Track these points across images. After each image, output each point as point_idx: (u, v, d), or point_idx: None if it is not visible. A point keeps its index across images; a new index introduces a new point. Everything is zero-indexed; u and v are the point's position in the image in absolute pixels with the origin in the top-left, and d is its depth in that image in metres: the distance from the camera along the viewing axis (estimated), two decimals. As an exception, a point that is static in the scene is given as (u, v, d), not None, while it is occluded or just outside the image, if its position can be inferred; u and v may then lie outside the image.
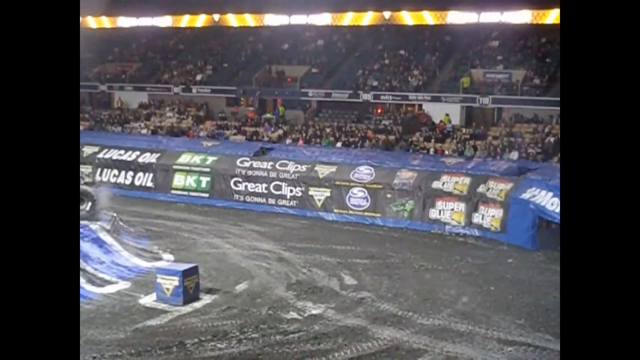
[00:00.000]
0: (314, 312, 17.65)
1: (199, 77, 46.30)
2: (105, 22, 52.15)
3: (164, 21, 52.78)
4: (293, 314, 17.34)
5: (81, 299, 18.26)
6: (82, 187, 23.55)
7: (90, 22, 50.98)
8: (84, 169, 34.70)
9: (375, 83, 42.76)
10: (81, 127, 42.07)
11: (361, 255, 23.55)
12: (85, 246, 21.23)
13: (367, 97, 42.29)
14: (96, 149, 36.34)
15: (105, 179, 35.13)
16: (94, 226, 22.59)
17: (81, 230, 21.90)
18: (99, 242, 21.93)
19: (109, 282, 19.81)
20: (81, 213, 22.75)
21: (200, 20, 52.57)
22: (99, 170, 35.53)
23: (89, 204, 23.31)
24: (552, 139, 33.84)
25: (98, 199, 23.74)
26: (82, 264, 20.20)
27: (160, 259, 22.52)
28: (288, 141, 39.54)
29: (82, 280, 19.34)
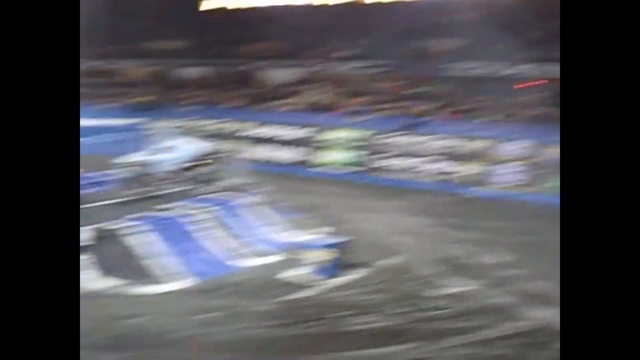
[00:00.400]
0: (461, 289, 17.33)
1: (347, 53, 46.38)
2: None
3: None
4: (440, 291, 17.10)
5: (232, 271, 18.92)
6: (203, 169, 24.26)
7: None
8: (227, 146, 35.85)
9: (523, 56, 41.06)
10: (232, 105, 43.32)
11: (510, 232, 22.83)
12: (237, 219, 21.92)
13: (515, 70, 40.75)
14: (246, 126, 37.39)
15: (256, 155, 36.10)
16: (246, 200, 23.25)
17: (232, 203, 22.65)
18: (249, 216, 22.55)
19: (259, 255, 20.34)
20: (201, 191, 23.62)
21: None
22: (250, 146, 36.49)
23: (210, 182, 24.03)
24: None
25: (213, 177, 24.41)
26: (234, 237, 20.90)
27: (309, 233, 22.83)
28: (436, 116, 38.91)
29: (233, 253, 20.01)
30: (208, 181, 23.90)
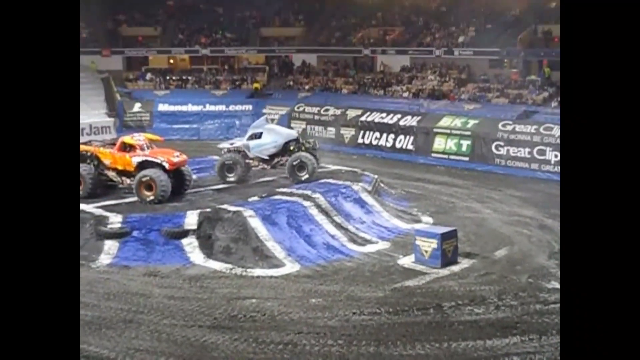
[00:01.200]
0: (577, 283, 16.76)
1: (461, 39, 45.59)
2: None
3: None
4: (554, 284, 16.56)
5: (343, 257, 19.02)
6: (303, 154, 24.32)
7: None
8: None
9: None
10: (345, 91, 43.47)
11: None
12: (347, 206, 22.01)
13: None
14: (359, 112, 37.47)
15: (367, 141, 36.15)
16: (356, 187, 23.30)
17: (344, 190, 22.76)
18: (360, 203, 22.60)
19: (369, 242, 20.35)
20: (303, 178, 23.68)
21: (464, -19, 51.64)
22: (361, 132, 36.57)
23: (309, 169, 24.05)
24: None
25: (315, 163, 24.40)
26: (345, 223, 20.98)
27: (420, 221, 22.68)
28: (554, 104, 37.75)
29: (344, 239, 20.10)
30: (308, 168, 24.02)
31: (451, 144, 33.07)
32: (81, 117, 39.96)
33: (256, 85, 45.76)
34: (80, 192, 21.66)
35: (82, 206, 20.63)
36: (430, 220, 22.75)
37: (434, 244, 18.09)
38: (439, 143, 33.49)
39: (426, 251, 18.21)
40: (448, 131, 33.30)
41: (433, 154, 33.62)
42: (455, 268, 17.96)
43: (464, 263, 18.33)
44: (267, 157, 24.75)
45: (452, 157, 32.90)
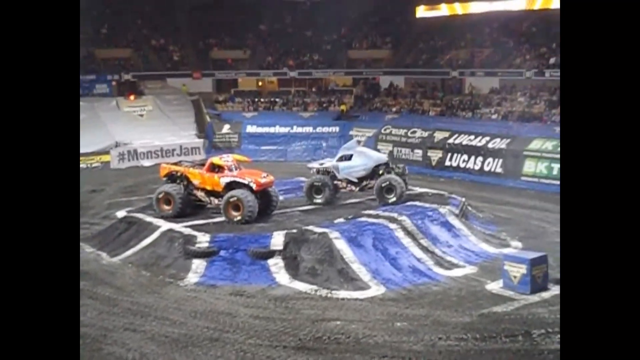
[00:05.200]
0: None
1: (552, 60, 44.71)
2: (458, 8, 52.73)
3: (517, 4, 51.78)
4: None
5: (429, 281, 18.76)
6: (393, 177, 24.08)
7: (443, 9, 51.86)
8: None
9: None
10: (432, 113, 43.16)
11: None
12: (434, 229, 21.72)
13: None
14: (446, 134, 37.11)
15: (454, 164, 35.73)
16: (443, 210, 22.99)
17: (430, 213, 22.49)
18: (447, 226, 22.27)
19: (456, 266, 20.01)
20: (390, 200, 23.40)
21: (555, 1, 50.66)
22: (449, 155, 36.19)
23: (398, 192, 23.77)
24: None
25: (404, 187, 24.12)
26: (431, 246, 20.71)
27: (508, 245, 22.17)
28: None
29: (430, 262, 19.83)
30: (397, 190, 23.80)
31: (542, 167, 32.29)
32: (172, 138, 41.29)
33: (343, 107, 45.97)
34: (170, 212, 22.22)
35: (172, 225, 21.12)
36: (519, 245, 22.20)
37: (523, 269, 17.61)
38: (529, 166, 32.75)
39: (515, 277, 17.76)
40: (539, 154, 32.55)
41: (522, 177, 32.91)
42: (545, 295, 17.41)
43: (554, 289, 17.73)
44: (355, 180, 24.72)
45: (543, 180, 32.10)
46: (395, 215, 21.73)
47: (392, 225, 20.94)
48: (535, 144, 33.01)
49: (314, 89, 50.75)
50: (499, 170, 34.03)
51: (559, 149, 31.84)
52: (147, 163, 38.53)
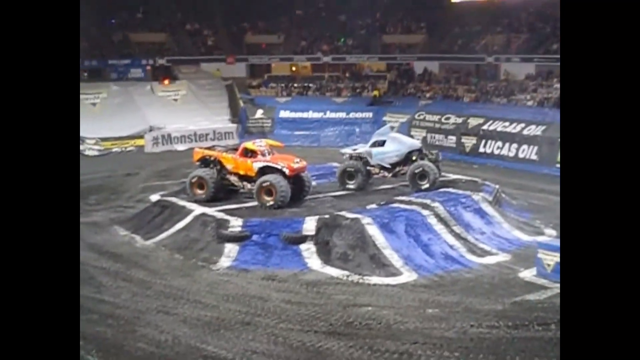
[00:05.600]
0: None
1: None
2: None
3: (555, -11, 51.09)
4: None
5: (461, 268, 18.67)
6: (426, 163, 23.91)
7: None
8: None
9: None
10: (467, 99, 42.75)
11: None
12: (467, 216, 21.59)
13: None
14: (481, 121, 36.82)
15: (488, 151, 35.43)
16: (476, 197, 22.83)
17: (463, 200, 22.35)
18: (481, 213, 22.12)
19: (489, 253, 19.89)
20: (423, 187, 23.29)
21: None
22: (483, 141, 35.89)
23: (431, 178, 23.61)
24: None
25: (437, 173, 23.95)
26: (464, 233, 20.60)
27: (542, 233, 21.96)
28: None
29: (462, 249, 19.73)
30: (430, 177, 23.65)
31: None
32: (205, 123, 41.48)
33: (376, 92, 45.77)
34: (203, 196, 22.36)
35: (205, 209, 21.24)
36: (553, 232, 21.96)
37: (557, 257, 17.42)
38: (565, 153, 32.36)
39: (549, 265, 17.59)
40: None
41: (557, 165, 32.52)
42: (579, 283, 17.24)
43: (589, 279, 17.56)
44: (388, 166, 24.63)
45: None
46: (428, 201, 21.62)
47: (425, 212, 20.84)
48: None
49: (347, 74, 50.57)
50: (533, 157, 33.68)
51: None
52: (180, 147, 38.74)
